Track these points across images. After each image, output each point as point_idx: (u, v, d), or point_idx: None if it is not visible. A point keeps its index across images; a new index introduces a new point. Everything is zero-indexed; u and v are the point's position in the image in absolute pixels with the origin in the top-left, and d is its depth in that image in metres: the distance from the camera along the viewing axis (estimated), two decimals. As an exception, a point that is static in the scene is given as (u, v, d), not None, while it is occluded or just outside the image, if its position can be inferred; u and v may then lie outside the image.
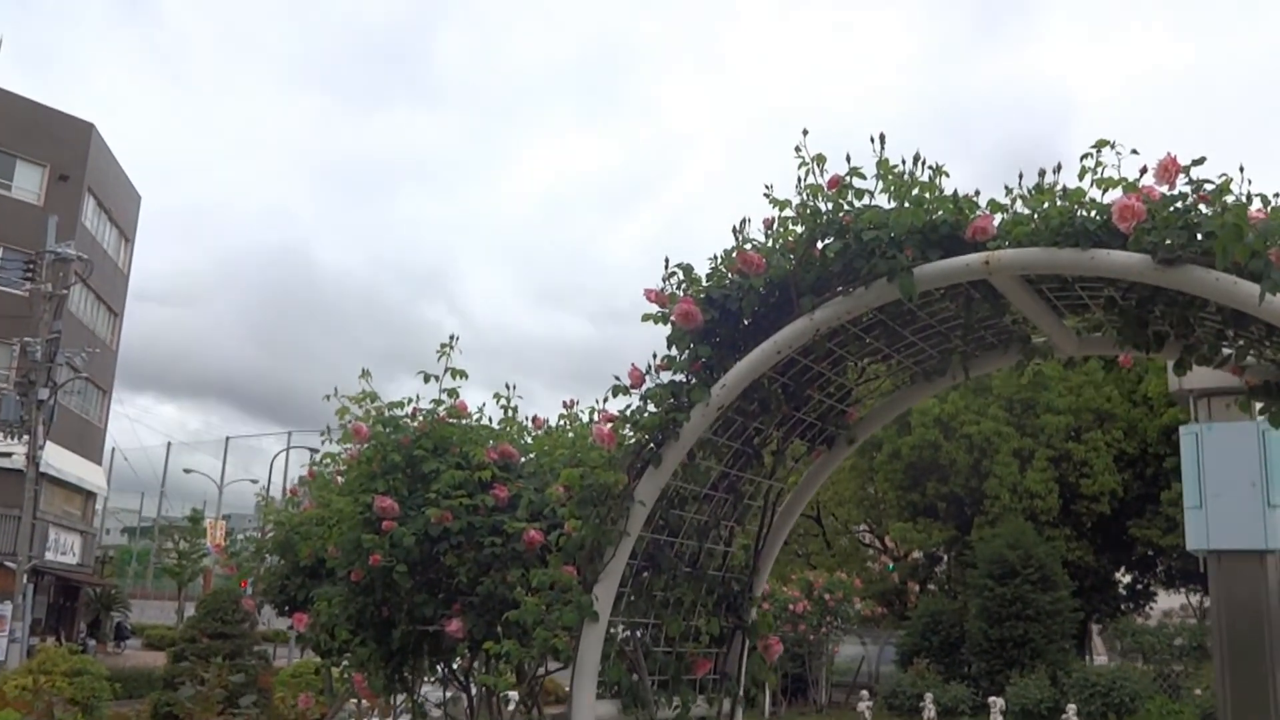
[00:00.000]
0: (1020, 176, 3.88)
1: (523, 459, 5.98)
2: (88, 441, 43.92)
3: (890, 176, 4.09)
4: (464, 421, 6.01)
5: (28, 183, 39.39)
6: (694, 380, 4.33)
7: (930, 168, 4.03)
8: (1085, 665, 23.50)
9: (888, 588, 30.39)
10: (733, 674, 5.20)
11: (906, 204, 4.00)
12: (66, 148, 39.86)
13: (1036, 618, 22.57)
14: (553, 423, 6.46)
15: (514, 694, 6.42)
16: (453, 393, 5.84)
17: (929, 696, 20.97)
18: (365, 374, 6.00)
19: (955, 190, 3.98)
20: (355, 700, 7.78)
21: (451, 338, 5.83)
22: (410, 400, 6.03)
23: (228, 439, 62.86)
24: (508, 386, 6.16)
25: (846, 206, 4.14)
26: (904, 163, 4.03)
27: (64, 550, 41.29)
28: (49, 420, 32.75)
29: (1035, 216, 3.80)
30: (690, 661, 4.97)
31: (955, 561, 28.67)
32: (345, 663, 7.46)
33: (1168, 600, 30.79)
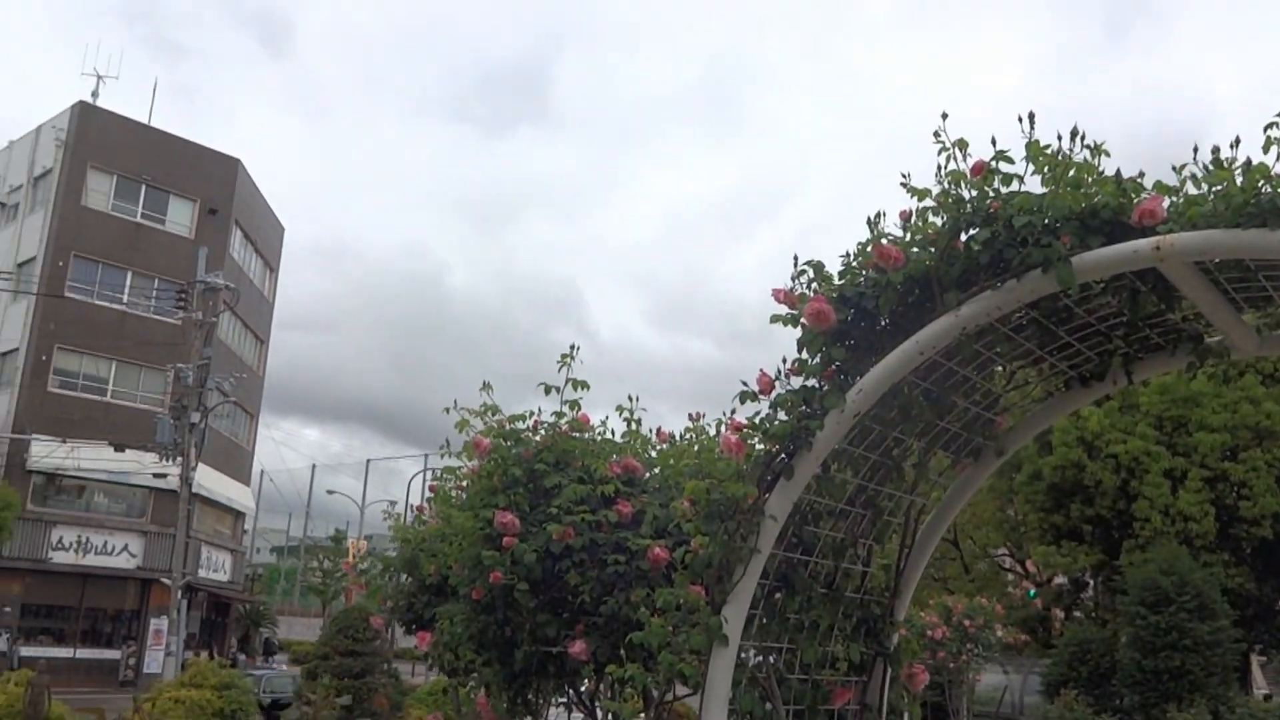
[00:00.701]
0: (1194, 150, 3.47)
1: (647, 474, 5.75)
2: (237, 463, 45.65)
3: (1042, 158, 3.72)
4: (586, 435, 5.82)
5: (179, 216, 41.30)
6: (827, 385, 4.03)
7: (1088, 146, 3.65)
8: (1249, 700, 21.94)
9: (1030, 614, 29.09)
10: (874, 704, 4.84)
11: (1062, 187, 3.63)
12: (214, 183, 41.70)
13: (1194, 648, 21.18)
14: (678, 437, 6.23)
15: None
16: (574, 405, 5.66)
17: (1079, 729, 19.89)
18: (486, 387, 5.87)
19: (1118, 170, 3.60)
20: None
21: (572, 347, 5.65)
22: (531, 414, 5.88)
23: (368, 461, 64.85)
24: (631, 399, 5.95)
25: (993, 193, 3.79)
26: (1059, 139, 3.67)
27: (215, 568, 42.94)
28: (200, 443, 34.05)
29: (1212, 196, 3.39)
30: (828, 690, 4.64)
31: (1103, 587, 27.25)
32: (471, 683, 7.36)
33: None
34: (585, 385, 5.64)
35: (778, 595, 4.39)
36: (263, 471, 63.21)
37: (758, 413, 4.17)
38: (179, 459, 33.09)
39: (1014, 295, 3.70)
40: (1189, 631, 21.16)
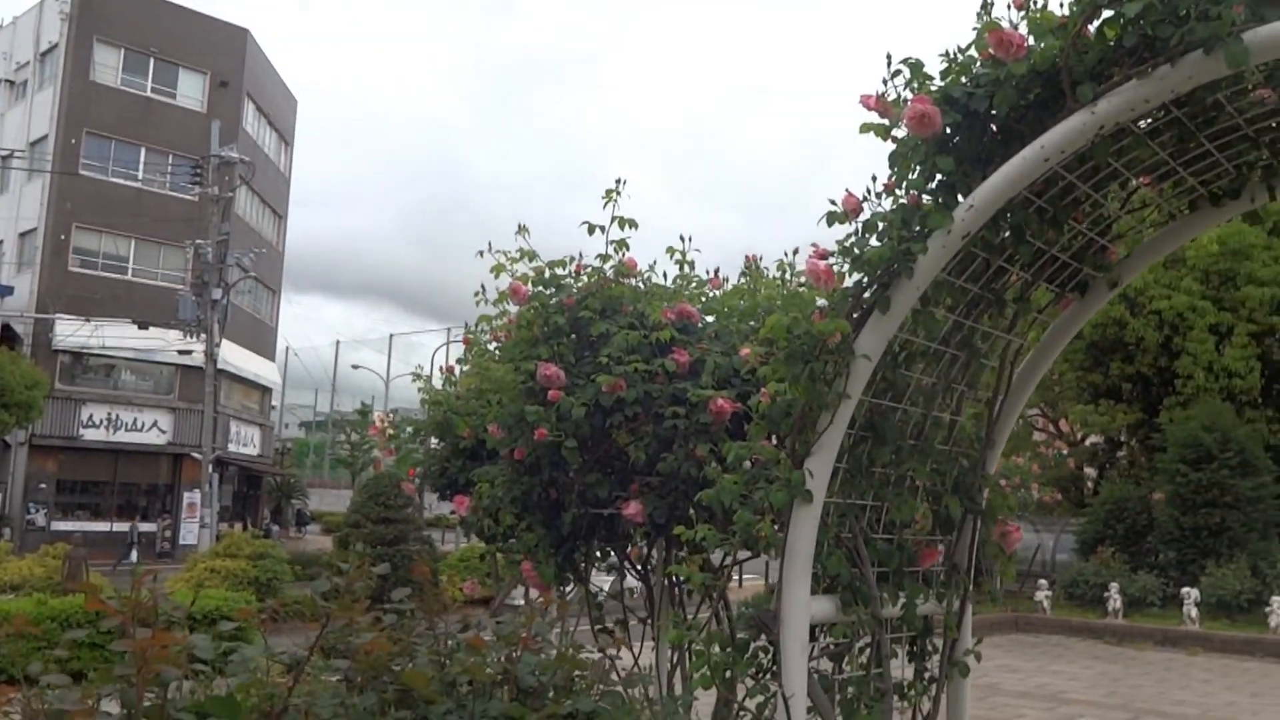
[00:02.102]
0: None
1: (701, 322, 5.20)
2: (261, 340, 45.68)
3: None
4: (633, 281, 5.25)
5: (190, 90, 40.39)
6: (932, 202, 3.43)
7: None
8: (1289, 555, 21.72)
9: (1063, 474, 28.83)
10: (962, 565, 4.39)
11: (1235, -56, 2.95)
12: (224, 55, 40.61)
13: (1235, 505, 20.88)
14: (732, 283, 5.65)
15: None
16: (622, 245, 5.06)
17: (1114, 586, 19.75)
18: (522, 230, 5.28)
19: (1308, -81, 2.91)
20: (524, 587, 7.34)
21: (618, 181, 5.02)
22: (572, 259, 5.30)
23: (391, 336, 64.53)
24: (683, 239, 5.35)
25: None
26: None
27: (245, 442, 43.42)
28: (223, 319, 34.07)
29: None
30: (914, 551, 4.18)
31: (1139, 446, 26.87)
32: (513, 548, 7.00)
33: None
34: (633, 224, 5.03)
35: (862, 447, 3.88)
36: (288, 348, 63.49)
37: (848, 237, 3.58)
38: (203, 335, 33.13)
39: (1166, 84, 3.06)
40: (1230, 488, 20.84)
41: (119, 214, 37.53)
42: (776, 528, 3.62)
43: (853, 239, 3.56)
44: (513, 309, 5.23)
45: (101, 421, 36.89)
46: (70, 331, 35.34)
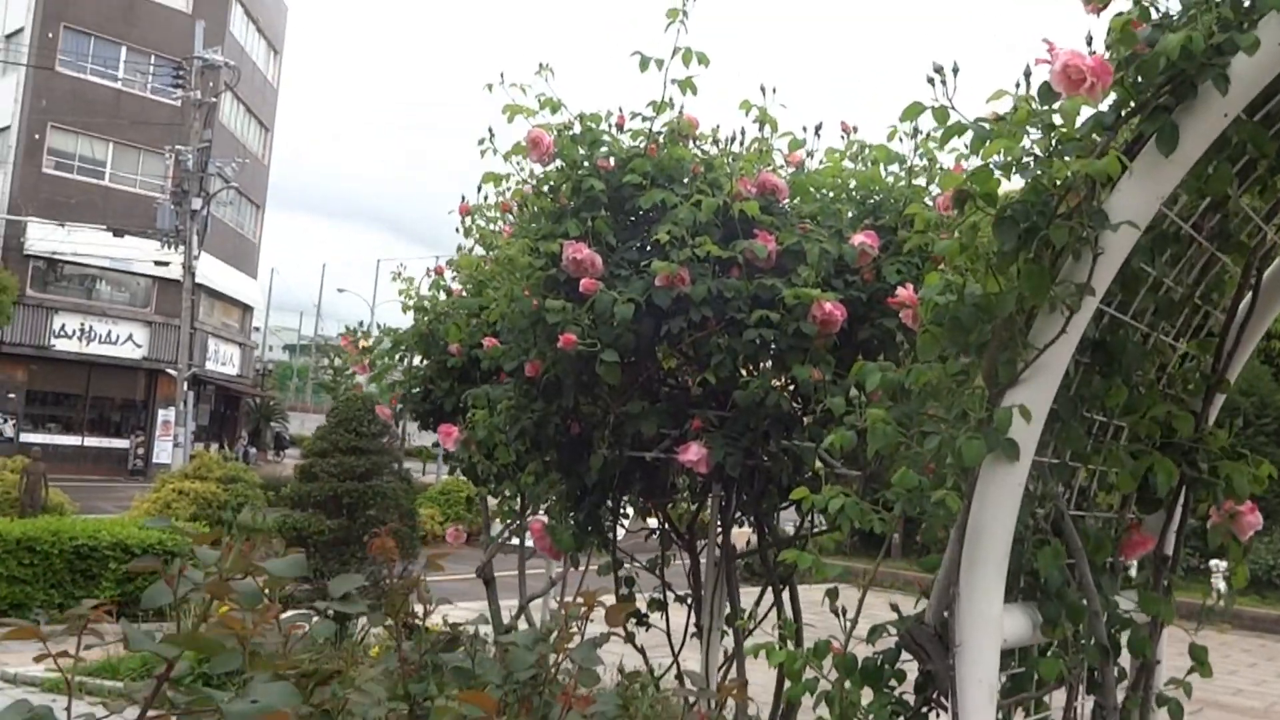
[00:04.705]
0: None
1: (787, 204, 3.79)
2: (243, 255, 44.10)
3: None
4: (695, 149, 3.84)
5: (175, -14, 38.43)
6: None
7: None
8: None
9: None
10: (1171, 558, 3.04)
11: None
12: (210, -50, 38.50)
13: (1270, 473, 19.73)
14: (815, 162, 4.19)
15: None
16: (688, 86, 3.60)
17: (1136, 555, 18.61)
18: (544, 69, 3.83)
19: None
20: (514, 534, 5.96)
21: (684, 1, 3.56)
22: (609, 113, 3.86)
23: (379, 261, 62.88)
24: (763, 90, 3.88)
25: None
26: None
27: (224, 361, 42.08)
28: (203, 231, 32.64)
29: None
30: (1121, 535, 2.83)
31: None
32: (507, 493, 5.63)
33: None
34: (704, 59, 3.58)
35: (1083, 378, 2.49)
36: (272, 269, 61.81)
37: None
38: (181, 247, 31.65)
39: None
40: (1270, 455, 19.63)
41: (97, 115, 35.75)
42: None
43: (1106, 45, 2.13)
44: (532, 170, 3.78)
45: (74, 332, 35.39)
46: (42, 235, 33.69)
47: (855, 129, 4.13)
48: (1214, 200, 2.61)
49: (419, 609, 2.02)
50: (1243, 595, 15.01)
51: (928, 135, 3.58)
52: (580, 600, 2.02)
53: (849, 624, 2.56)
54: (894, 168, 3.78)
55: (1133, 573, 3.15)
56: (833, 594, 2.56)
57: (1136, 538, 2.84)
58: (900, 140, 3.67)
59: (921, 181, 3.77)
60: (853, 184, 3.83)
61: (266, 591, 1.55)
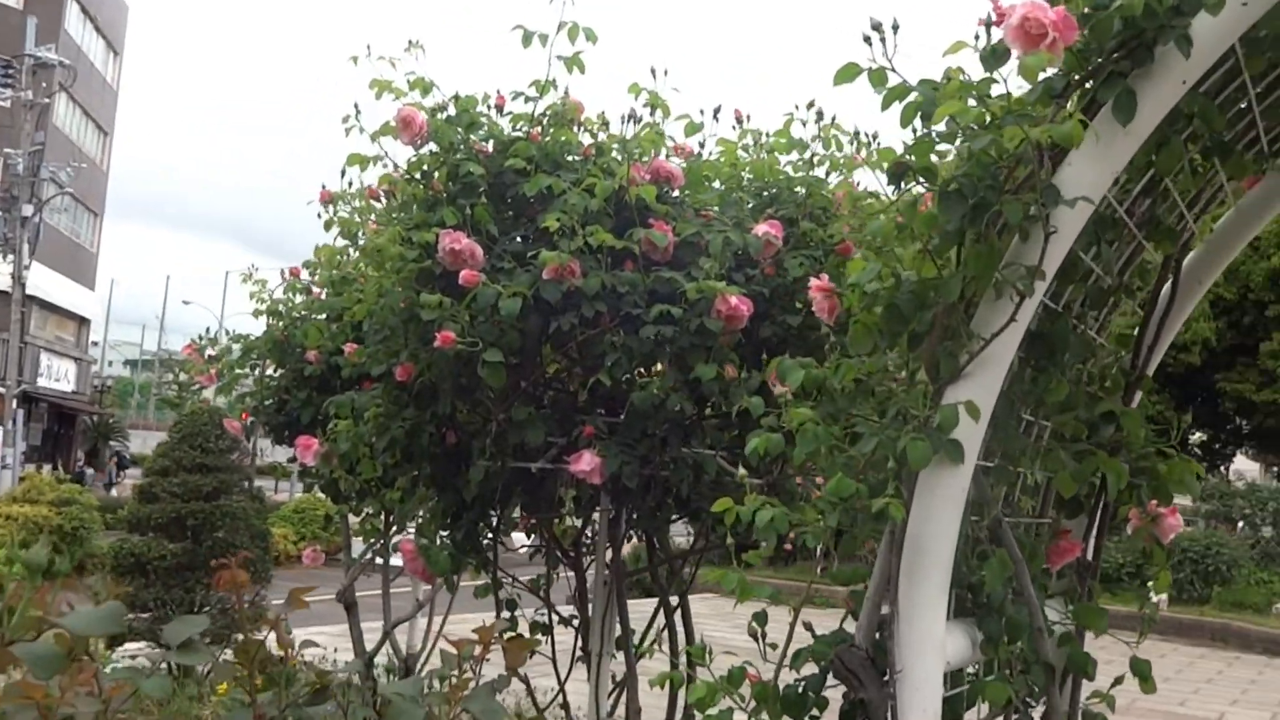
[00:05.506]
0: None
1: (681, 193, 3.53)
2: (79, 265, 41.84)
3: None
4: (585, 132, 3.54)
5: (4, -18, 36.34)
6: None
7: None
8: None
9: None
10: (1092, 565, 2.88)
11: None
12: (44, -58, 36.47)
13: None
14: (708, 152, 3.94)
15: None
16: (575, 63, 3.30)
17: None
18: (414, 45, 3.47)
19: None
20: (378, 555, 5.53)
21: (570, -33, 3.26)
22: (487, 96, 3.53)
23: (227, 273, 60.41)
24: (653, 73, 3.61)
25: None
26: None
27: (57, 377, 39.82)
28: (35, 239, 30.91)
29: None
30: (1049, 542, 2.65)
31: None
32: (367, 510, 5.22)
33: (1244, 463, 28.76)
34: (592, 35, 3.29)
35: (1022, 373, 2.29)
36: (112, 280, 58.78)
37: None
38: (10, 256, 29.84)
39: None
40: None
41: (-85, 113, 33.32)
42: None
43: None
44: (402, 153, 3.40)
45: (-114, 345, 32.76)
46: None
47: (749, 117, 3.91)
48: (1146, 184, 2.46)
49: (278, 652, 1.67)
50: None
51: (832, 121, 3.39)
52: (474, 636, 1.70)
53: (776, 649, 2.29)
54: (792, 156, 3.58)
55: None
56: (760, 618, 2.30)
57: (1064, 544, 2.67)
58: (803, 125, 3.47)
59: (821, 172, 3.58)
60: (747, 175, 3.60)
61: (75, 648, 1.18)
